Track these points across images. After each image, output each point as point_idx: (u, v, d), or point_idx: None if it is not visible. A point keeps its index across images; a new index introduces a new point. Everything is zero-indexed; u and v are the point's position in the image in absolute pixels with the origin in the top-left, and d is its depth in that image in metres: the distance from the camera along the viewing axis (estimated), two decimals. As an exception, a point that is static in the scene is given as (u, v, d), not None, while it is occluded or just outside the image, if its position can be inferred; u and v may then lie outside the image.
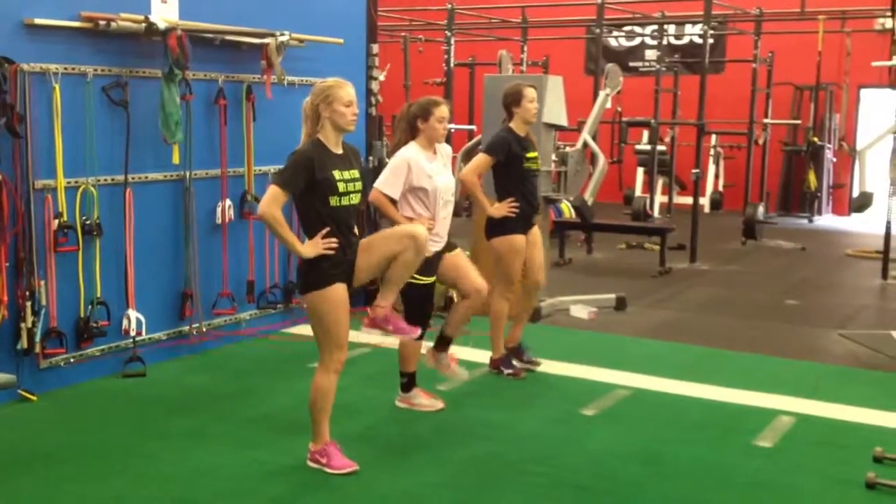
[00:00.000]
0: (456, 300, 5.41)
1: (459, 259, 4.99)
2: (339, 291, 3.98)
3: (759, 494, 3.95)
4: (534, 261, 5.60)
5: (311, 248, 3.93)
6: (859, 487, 3.99)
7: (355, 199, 4.04)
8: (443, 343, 5.11)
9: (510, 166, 5.38)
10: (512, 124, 5.45)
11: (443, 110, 4.77)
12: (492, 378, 5.59)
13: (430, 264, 4.84)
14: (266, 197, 3.92)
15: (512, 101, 5.42)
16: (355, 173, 4.06)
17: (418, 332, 4.49)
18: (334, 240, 3.94)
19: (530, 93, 5.39)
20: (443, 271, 4.90)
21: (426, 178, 4.75)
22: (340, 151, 4.05)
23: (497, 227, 5.44)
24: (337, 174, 3.95)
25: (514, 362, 5.64)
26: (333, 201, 3.94)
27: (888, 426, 4.83)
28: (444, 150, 4.95)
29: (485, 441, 4.53)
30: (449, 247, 4.97)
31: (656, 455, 4.38)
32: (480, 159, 5.41)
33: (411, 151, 4.77)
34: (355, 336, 4.95)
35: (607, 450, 4.45)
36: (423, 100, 4.86)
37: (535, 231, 5.61)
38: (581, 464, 4.26)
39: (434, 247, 4.86)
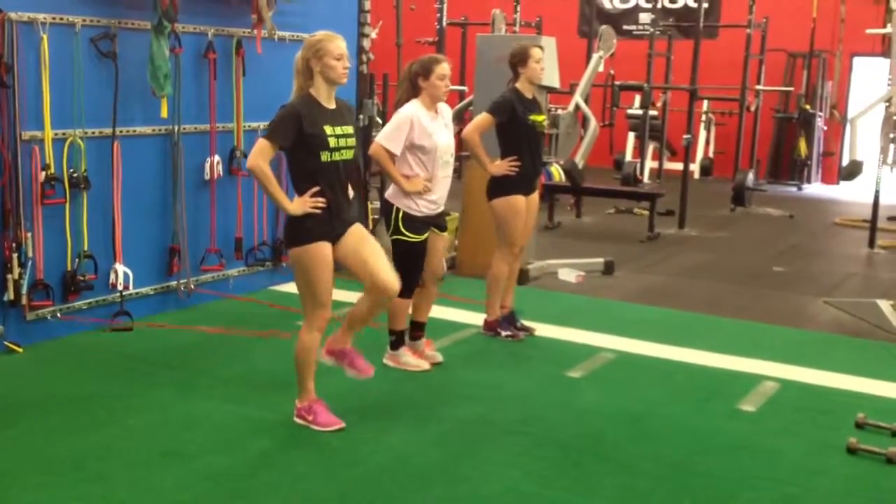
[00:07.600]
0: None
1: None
2: (322, 249, 3.95)
3: (741, 457, 3.98)
4: (525, 226, 5.56)
5: (299, 205, 3.91)
6: (841, 452, 4.03)
7: (347, 154, 4.00)
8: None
9: (513, 128, 5.32)
10: (518, 85, 5.39)
11: (444, 68, 4.74)
12: (479, 339, 5.60)
13: (424, 224, 4.83)
14: (254, 150, 3.90)
15: (518, 61, 5.35)
16: (348, 129, 4.02)
17: (372, 372, 4.28)
18: (322, 199, 3.92)
19: (537, 53, 5.32)
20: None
21: (427, 136, 4.72)
22: (333, 106, 4.01)
23: (498, 188, 5.39)
24: (328, 129, 3.92)
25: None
26: (324, 157, 3.91)
27: (870, 393, 4.88)
28: (446, 110, 4.92)
29: (471, 401, 4.55)
30: (439, 225, 4.96)
31: (640, 417, 4.41)
32: (482, 118, 5.35)
33: (414, 108, 4.75)
34: (343, 296, 4.97)
35: (592, 411, 4.47)
36: (425, 57, 4.82)
37: (535, 197, 5.55)
38: (566, 424, 4.29)
39: (432, 208, 4.84)
